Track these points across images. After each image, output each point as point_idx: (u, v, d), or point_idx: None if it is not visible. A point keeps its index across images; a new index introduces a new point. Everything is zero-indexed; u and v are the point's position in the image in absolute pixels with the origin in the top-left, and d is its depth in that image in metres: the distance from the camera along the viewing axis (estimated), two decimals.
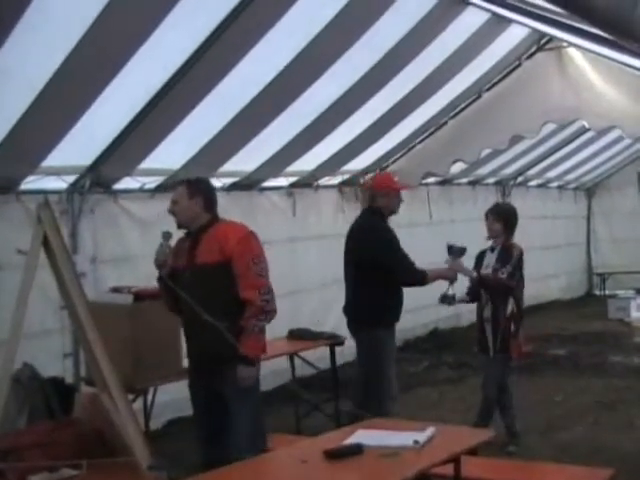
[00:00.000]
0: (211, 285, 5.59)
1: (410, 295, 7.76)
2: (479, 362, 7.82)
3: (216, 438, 5.67)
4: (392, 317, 7.49)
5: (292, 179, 10.57)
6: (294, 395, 7.98)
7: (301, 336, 8.62)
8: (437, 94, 10.05)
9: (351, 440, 4.77)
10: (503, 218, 7.67)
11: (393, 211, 7.64)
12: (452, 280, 7.50)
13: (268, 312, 5.67)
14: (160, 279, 5.82)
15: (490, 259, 7.61)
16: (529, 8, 6.57)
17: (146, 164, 8.21)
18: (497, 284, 7.49)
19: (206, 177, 6.34)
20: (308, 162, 10.17)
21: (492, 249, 7.69)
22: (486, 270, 7.54)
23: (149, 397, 7.29)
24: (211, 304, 5.50)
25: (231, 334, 5.48)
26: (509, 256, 7.53)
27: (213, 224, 5.77)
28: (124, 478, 5.17)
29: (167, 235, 5.81)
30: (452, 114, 11.09)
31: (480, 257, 7.79)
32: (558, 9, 4.64)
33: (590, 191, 18.57)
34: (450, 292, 7.46)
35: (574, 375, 10.64)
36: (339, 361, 8.88)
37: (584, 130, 13.36)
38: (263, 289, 5.62)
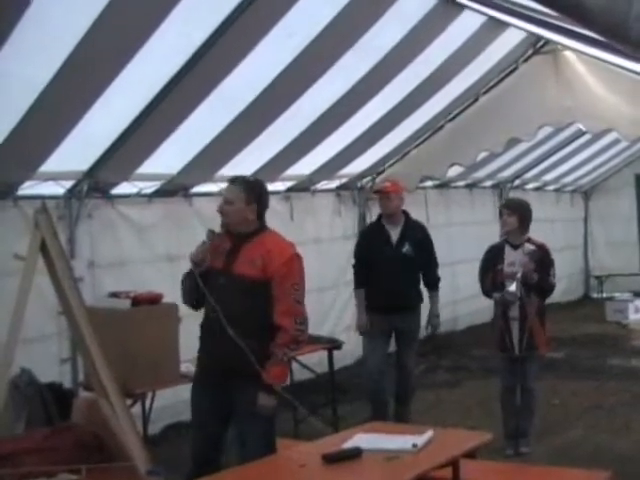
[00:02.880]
0: (245, 299, 5.32)
1: None
2: (501, 362, 7.79)
3: (213, 454, 5.47)
4: (369, 302, 8.37)
5: (289, 183, 10.56)
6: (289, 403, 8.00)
7: None
8: (434, 98, 10.05)
9: (350, 444, 4.78)
10: (517, 211, 7.67)
11: (384, 213, 8.52)
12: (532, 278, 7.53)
13: (300, 342, 5.46)
14: (190, 275, 5.47)
15: (515, 257, 7.54)
16: (525, 11, 6.58)
17: (143, 169, 8.19)
18: (551, 288, 7.61)
19: (262, 180, 5.91)
20: (305, 166, 10.17)
21: (514, 246, 7.62)
22: (512, 268, 7.51)
23: (147, 402, 7.28)
24: (241, 318, 5.24)
25: (256, 355, 5.21)
26: (550, 258, 7.61)
27: (259, 232, 5.49)
28: None
29: (212, 235, 5.48)
30: (449, 118, 11.09)
31: (495, 252, 7.76)
32: (553, 12, 4.65)
33: (587, 194, 18.56)
34: (513, 288, 7.42)
35: (572, 378, 10.64)
36: (337, 365, 8.90)
37: (580, 133, 13.35)
38: (299, 318, 5.37)
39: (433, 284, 8.50)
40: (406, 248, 8.31)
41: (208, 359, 5.53)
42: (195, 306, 5.63)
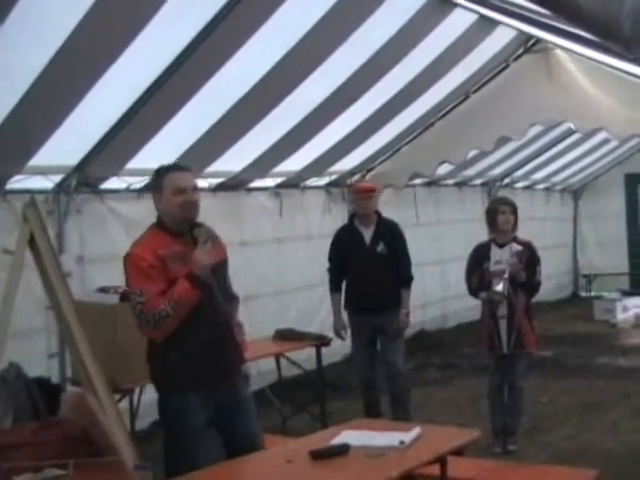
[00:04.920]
0: (225, 286, 5.16)
1: None
2: (490, 360, 7.81)
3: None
4: (348, 304, 8.48)
5: (279, 180, 10.56)
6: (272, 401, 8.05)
7: (287, 337, 8.64)
8: (424, 95, 10.06)
9: (337, 440, 4.78)
10: (515, 211, 7.69)
11: (358, 212, 8.52)
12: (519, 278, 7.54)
13: None
14: (200, 284, 4.82)
15: (501, 255, 7.54)
16: (516, 10, 6.58)
17: (133, 164, 8.18)
18: (538, 286, 7.64)
19: None
20: (295, 163, 10.17)
21: (500, 245, 7.61)
22: (498, 266, 7.52)
23: (135, 397, 7.27)
24: (228, 309, 5.12)
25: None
26: (536, 256, 7.64)
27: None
28: (110, 478, 5.15)
29: (207, 233, 5.00)
30: (439, 115, 11.10)
31: (481, 252, 7.75)
32: (545, 11, 4.65)
33: (577, 193, 18.62)
34: (500, 288, 7.42)
35: (560, 376, 10.67)
36: (326, 362, 8.90)
37: (571, 132, 13.38)
38: None
39: (405, 282, 8.41)
40: (380, 247, 8.32)
41: (214, 370, 5.04)
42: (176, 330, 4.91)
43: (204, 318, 4.91)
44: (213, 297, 4.91)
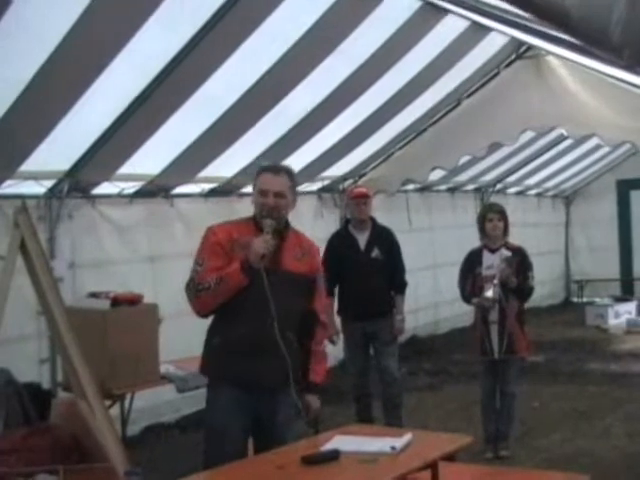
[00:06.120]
0: (298, 298, 5.06)
1: None
2: (481, 366, 7.80)
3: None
4: (342, 311, 8.42)
5: None
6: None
7: None
8: (416, 101, 10.07)
9: (329, 446, 4.76)
10: (504, 217, 7.72)
11: (353, 217, 8.52)
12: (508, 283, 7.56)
13: None
14: (250, 270, 4.79)
15: (492, 260, 7.57)
16: (508, 16, 6.58)
17: (125, 169, 8.17)
18: (530, 291, 7.66)
19: None
20: None
21: (492, 250, 7.65)
22: (489, 271, 7.54)
23: (126, 403, 7.26)
24: (290, 319, 4.97)
25: (297, 355, 5.02)
26: (528, 261, 7.66)
27: (288, 226, 5.16)
28: None
29: (272, 226, 4.93)
30: (431, 121, 11.11)
31: (473, 258, 7.77)
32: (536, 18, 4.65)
33: (568, 199, 18.66)
34: (490, 294, 7.44)
35: (551, 382, 10.68)
36: None
37: (562, 138, 13.42)
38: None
39: (400, 288, 8.42)
40: (375, 253, 8.31)
41: (249, 377, 4.95)
42: (208, 314, 5.05)
43: (250, 312, 4.88)
44: (263, 292, 4.79)
